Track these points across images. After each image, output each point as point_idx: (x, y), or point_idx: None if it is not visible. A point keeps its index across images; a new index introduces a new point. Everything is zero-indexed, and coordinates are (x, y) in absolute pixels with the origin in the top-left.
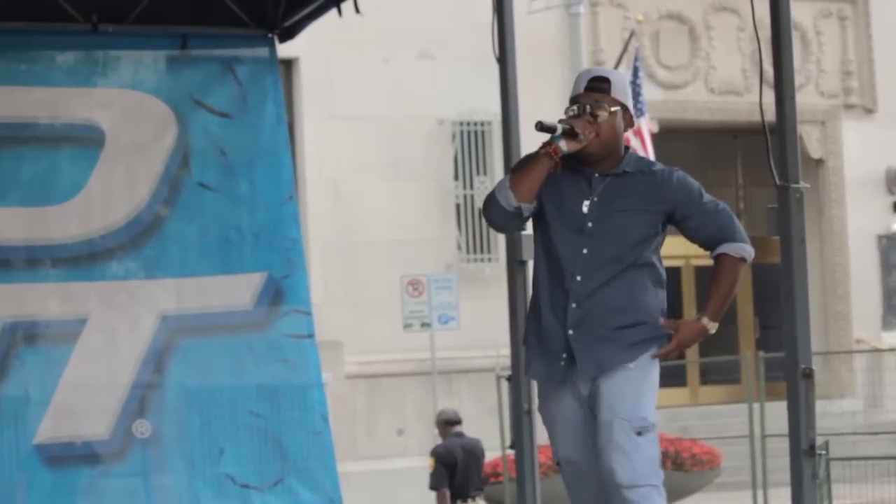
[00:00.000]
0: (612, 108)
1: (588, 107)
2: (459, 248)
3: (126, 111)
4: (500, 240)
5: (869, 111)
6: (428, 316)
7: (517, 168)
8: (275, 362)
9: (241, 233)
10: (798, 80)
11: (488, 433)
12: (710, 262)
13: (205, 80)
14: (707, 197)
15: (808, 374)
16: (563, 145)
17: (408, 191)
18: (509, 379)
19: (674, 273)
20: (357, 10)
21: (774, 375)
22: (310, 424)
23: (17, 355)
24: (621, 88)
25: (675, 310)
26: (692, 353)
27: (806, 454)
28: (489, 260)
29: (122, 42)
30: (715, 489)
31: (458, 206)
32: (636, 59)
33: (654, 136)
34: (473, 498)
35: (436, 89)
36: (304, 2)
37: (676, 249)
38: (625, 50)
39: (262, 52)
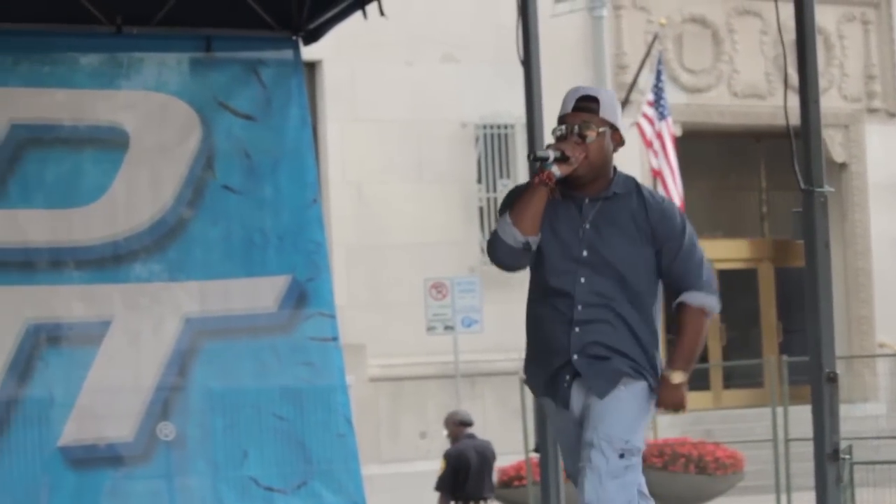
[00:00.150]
0: (601, 129)
1: (576, 127)
2: (482, 250)
3: (150, 113)
4: None
5: (892, 115)
6: (451, 319)
7: (514, 203)
8: (299, 365)
9: (266, 235)
10: (821, 83)
11: (511, 436)
12: (734, 266)
13: (229, 82)
14: (689, 238)
15: (833, 378)
16: (556, 170)
17: (431, 194)
18: None
19: None
20: (382, 13)
21: (798, 379)
22: (334, 427)
23: (41, 357)
24: (610, 108)
25: None
26: (715, 357)
27: (830, 458)
28: None
29: (146, 44)
30: (738, 493)
31: (481, 209)
32: (659, 62)
33: (677, 140)
34: (486, 500)
35: (459, 92)
36: (329, 4)
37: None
38: (648, 53)
39: (287, 54)
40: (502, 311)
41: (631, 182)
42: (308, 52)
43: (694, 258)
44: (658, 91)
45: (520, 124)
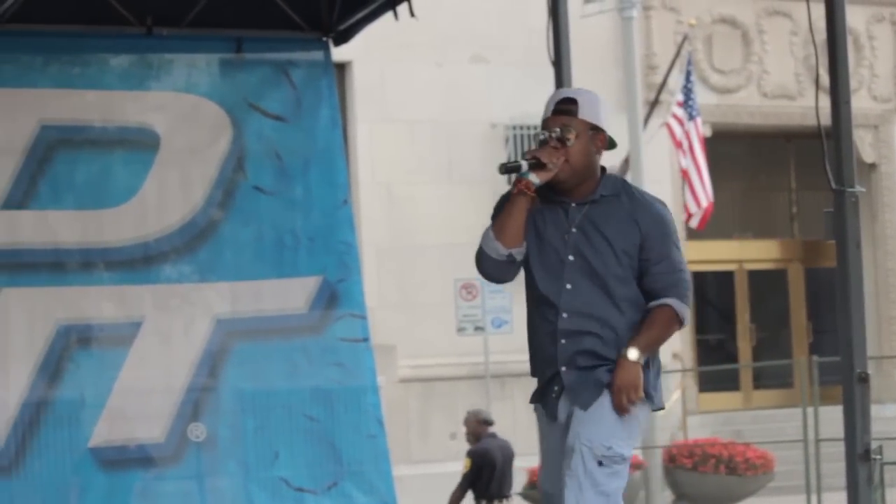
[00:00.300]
0: (580, 131)
1: (557, 131)
2: None
3: (180, 114)
4: None
5: None
6: (481, 320)
7: (496, 215)
8: (329, 366)
9: (296, 236)
10: (851, 84)
11: None
12: (764, 266)
13: (259, 83)
14: (676, 247)
15: (864, 379)
16: (535, 178)
17: (460, 194)
18: None
19: (727, 278)
20: (412, 14)
21: (828, 380)
22: (365, 428)
23: (72, 358)
24: (590, 109)
25: (727, 317)
26: (745, 357)
27: (861, 458)
28: None
29: (176, 45)
30: (768, 493)
31: None
32: (689, 62)
33: (707, 141)
34: (509, 498)
35: (488, 93)
36: (359, 5)
37: (730, 253)
38: (678, 54)
39: (317, 55)
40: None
41: (619, 183)
42: (338, 53)
43: (680, 272)
44: (687, 92)
45: None
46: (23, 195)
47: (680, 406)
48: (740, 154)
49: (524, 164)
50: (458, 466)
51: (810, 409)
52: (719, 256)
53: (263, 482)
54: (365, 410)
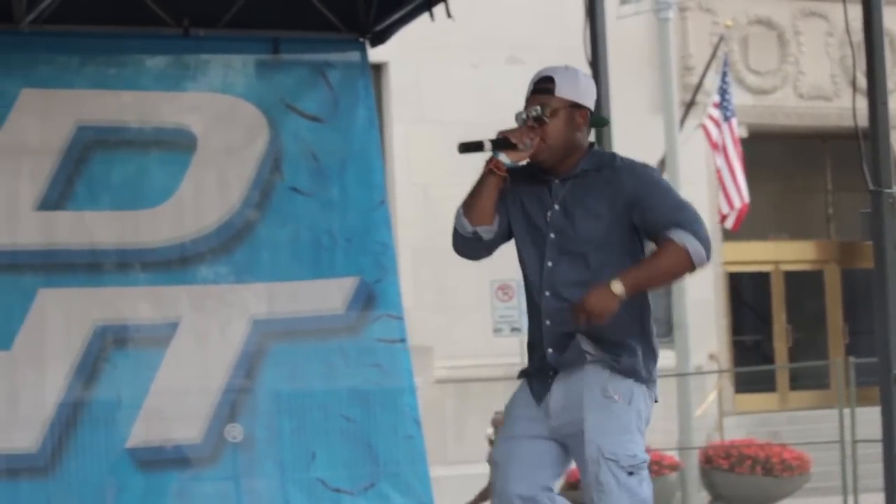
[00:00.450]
0: (556, 108)
1: (535, 109)
2: None
3: (217, 115)
4: None
5: None
6: (518, 321)
7: (469, 193)
8: (367, 367)
9: (333, 237)
10: (888, 85)
11: None
12: (801, 267)
13: (296, 84)
14: (666, 188)
15: None
16: (504, 158)
17: None
18: None
19: (762, 279)
20: (449, 15)
21: (864, 381)
22: (402, 429)
23: (108, 359)
24: (569, 86)
25: (764, 318)
26: (781, 359)
27: None
28: None
29: (212, 46)
30: (805, 494)
31: None
32: (725, 63)
33: (743, 142)
34: None
35: (524, 94)
36: (396, 6)
37: (766, 254)
38: (714, 55)
39: (354, 56)
40: None
41: (605, 157)
42: (374, 55)
43: (683, 206)
44: (723, 93)
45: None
46: (59, 196)
47: (716, 407)
48: (776, 155)
49: (487, 144)
50: None
51: (847, 411)
52: (756, 257)
53: (300, 483)
54: (402, 411)
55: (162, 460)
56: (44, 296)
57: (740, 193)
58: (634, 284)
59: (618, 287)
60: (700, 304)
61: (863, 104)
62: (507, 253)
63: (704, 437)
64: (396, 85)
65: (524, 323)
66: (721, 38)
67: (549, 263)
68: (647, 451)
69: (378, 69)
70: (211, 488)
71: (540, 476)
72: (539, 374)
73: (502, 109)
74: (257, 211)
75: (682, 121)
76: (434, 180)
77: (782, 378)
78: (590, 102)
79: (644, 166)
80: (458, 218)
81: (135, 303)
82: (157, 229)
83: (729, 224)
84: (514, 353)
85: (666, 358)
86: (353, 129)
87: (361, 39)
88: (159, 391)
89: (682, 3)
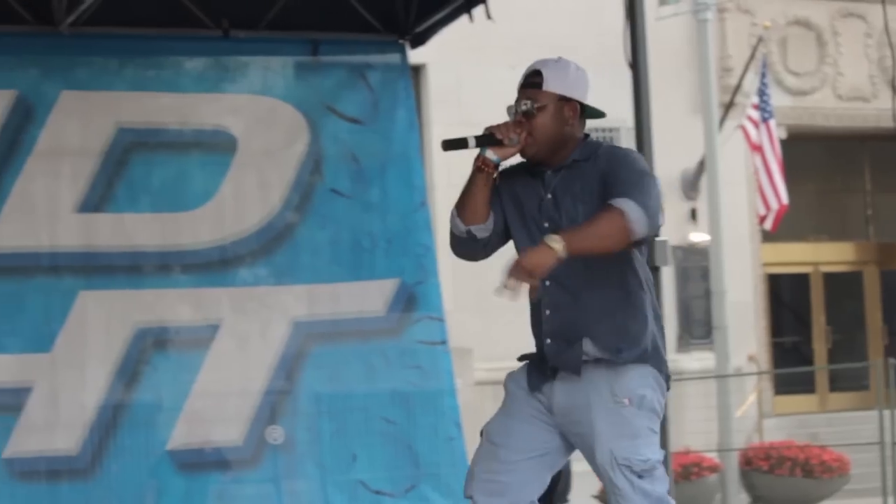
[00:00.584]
0: (543, 103)
1: (526, 104)
2: None
3: (257, 117)
4: None
5: None
6: None
7: (461, 192)
8: (407, 368)
9: (374, 239)
10: None
11: None
12: (840, 269)
13: (336, 86)
14: (642, 171)
15: None
16: (491, 154)
17: None
18: None
19: (801, 280)
20: (489, 16)
21: None
22: (443, 431)
23: (149, 361)
24: (558, 79)
25: (803, 319)
26: (821, 360)
27: None
28: None
29: (252, 48)
30: (844, 496)
31: None
32: (763, 65)
33: (782, 143)
34: (568, 501)
35: None
36: (436, 8)
37: (805, 256)
38: (752, 56)
39: (394, 58)
40: None
41: (597, 147)
42: (413, 56)
43: (635, 179)
44: (762, 94)
45: (624, 127)
46: (99, 198)
47: (756, 409)
48: (815, 156)
49: (471, 140)
50: None
51: (886, 412)
52: (794, 259)
53: (341, 485)
54: (443, 413)
55: (202, 462)
56: (84, 298)
57: (778, 195)
58: (572, 241)
59: (556, 243)
60: (739, 305)
61: None
62: None
63: (744, 439)
64: (435, 87)
65: None
66: (760, 40)
67: None
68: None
69: (417, 71)
70: (251, 490)
71: (528, 491)
72: (538, 365)
73: None
74: (297, 213)
75: (722, 122)
76: None
77: (821, 380)
78: (580, 94)
79: (625, 151)
80: (452, 219)
81: (175, 305)
82: (197, 231)
83: (767, 225)
84: None
85: (706, 360)
86: (394, 130)
87: (401, 41)
88: (200, 393)
89: (721, 4)
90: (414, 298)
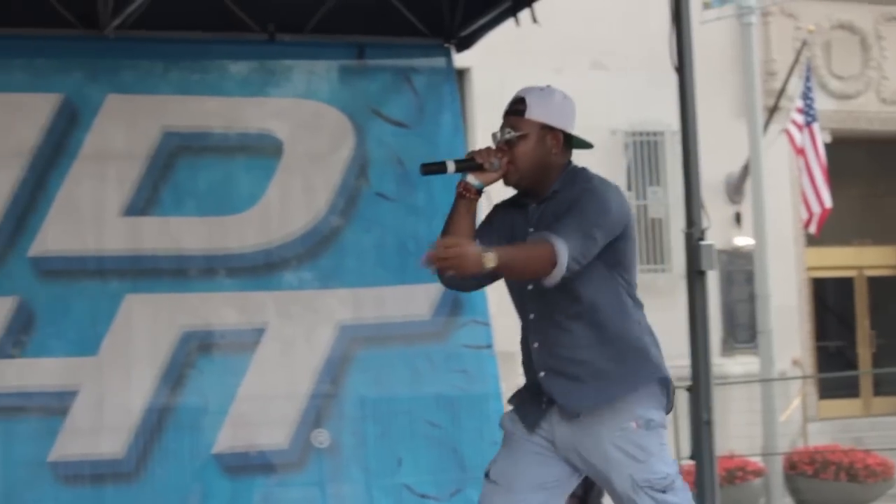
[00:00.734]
0: (525, 131)
1: (507, 131)
2: None
3: (302, 121)
4: (674, 251)
5: None
6: None
7: (445, 221)
8: (453, 372)
9: (419, 242)
10: None
11: None
12: (884, 273)
13: (381, 89)
14: (582, 209)
15: None
16: (473, 180)
17: None
18: (689, 389)
19: (846, 284)
20: (534, 20)
21: None
22: (488, 434)
23: (195, 364)
24: (541, 107)
25: (847, 323)
26: (865, 364)
27: None
28: (662, 270)
29: (297, 51)
30: (889, 500)
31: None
32: (808, 69)
33: (827, 147)
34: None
35: (608, 99)
36: (481, 12)
37: (849, 260)
38: (797, 60)
39: (439, 61)
40: (653, 318)
41: (573, 175)
42: (457, 60)
43: (579, 221)
44: (806, 98)
45: (669, 132)
46: (145, 202)
47: (800, 413)
48: (859, 160)
49: (450, 165)
50: None
51: None
52: (838, 263)
53: (387, 489)
54: (488, 417)
55: (248, 466)
56: (130, 301)
57: (820, 199)
58: (500, 257)
59: (489, 257)
60: (783, 310)
61: None
62: None
63: (788, 443)
64: (480, 90)
65: None
66: (804, 44)
67: (530, 287)
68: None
69: (461, 75)
70: (297, 494)
71: None
72: (532, 399)
73: (586, 115)
74: (343, 217)
75: (766, 126)
76: None
77: (866, 384)
78: (564, 124)
79: (596, 187)
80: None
81: (221, 308)
82: (243, 235)
83: (811, 229)
84: None
85: (750, 364)
86: (439, 134)
87: (446, 45)
88: (245, 397)
89: (765, 8)
90: (459, 302)
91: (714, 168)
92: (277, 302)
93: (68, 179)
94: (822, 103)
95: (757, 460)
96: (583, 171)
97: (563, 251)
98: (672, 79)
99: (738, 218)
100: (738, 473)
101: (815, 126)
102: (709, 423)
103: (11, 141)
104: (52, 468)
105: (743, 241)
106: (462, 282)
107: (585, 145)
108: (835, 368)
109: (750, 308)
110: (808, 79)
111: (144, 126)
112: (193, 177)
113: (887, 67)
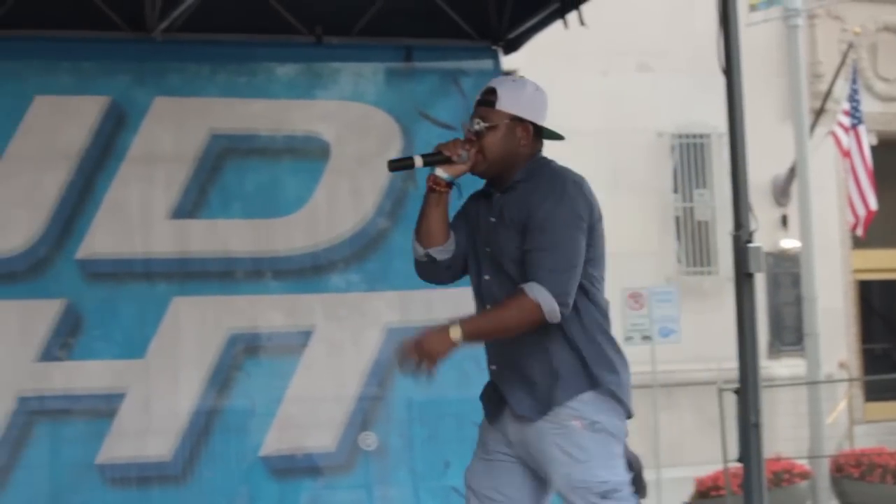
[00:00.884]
0: (494, 122)
1: (477, 122)
2: (679, 260)
3: (349, 123)
4: (720, 253)
5: None
6: (649, 329)
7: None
8: None
9: None
10: None
11: (708, 446)
12: None
13: (429, 92)
14: (552, 232)
15: None
16: (442, 173)
17: (627, 203)
18: (737, 391)
19: (892, 287)
20: (582, 23)
21: None
22: None
23: (241, 367)
24: (512, 98)
25: (893, 327)
26: None
27: None
28: (709, 273)
29: (344, 54)
30: None
31: (677, 218)
32: (854, 71)
33: (873, 149)
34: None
35: (654, 101)
36: (529, 14)
37: (894, 262)
38: (843, 62)
39: (486, 64)
40: (699, 321)
41: (537, 166)
42: (505, 62)
43: (545, 255)
44: (853, 100)
45: (715, 134)
46: (192, 205)
47: (846, 415)
48: None
49: (418, 159)
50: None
51: None
52: (884, 265)
53: (434, 491)
54: None
55: (295, 468)
56: (178, 304)
57: (866, 201)
58: (475, 332)
59: (456, 332)
60: (829, 312)
61: None
62: (639, 260)
63: (835, 446)
64: None
65: (655, 331)
66: (850, 46)
67: (486, 277)
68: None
69: None
70: (344, 497)
71: None
72: (494, 394)
73: (633, 117)
74: (390, 219)
75: (812, 128)
76: None
77: None
78: (535, 116)
79: (557, 194)
80: (412, 243)
81: (268, 311)
82: (290, 237)
83: (858, 231)
84: (645, 361)
85: (796, 366)
86: None
87: (494, 47)
88: (293, 399)
89: (811, 10)
90: None
91: (760, 171)
92: (325, 304)
93: (116, 182)
94: (867, 105)
95: (803, 463)
96: (545, 164)
97: (545, 297)
98: (718, 81)
99: (784, 220)
100: (785, 476)
101: (861, 128)
102: (757, 425)
103: (59, 143)
104: (99, 471)
105: (789, 243)
106: (436, 275)
107: (556, 137)
108: (881, 371)
109: (796, 311)
110: (854, 81)
111: (192, 128)
112: (240, 179)
113: None
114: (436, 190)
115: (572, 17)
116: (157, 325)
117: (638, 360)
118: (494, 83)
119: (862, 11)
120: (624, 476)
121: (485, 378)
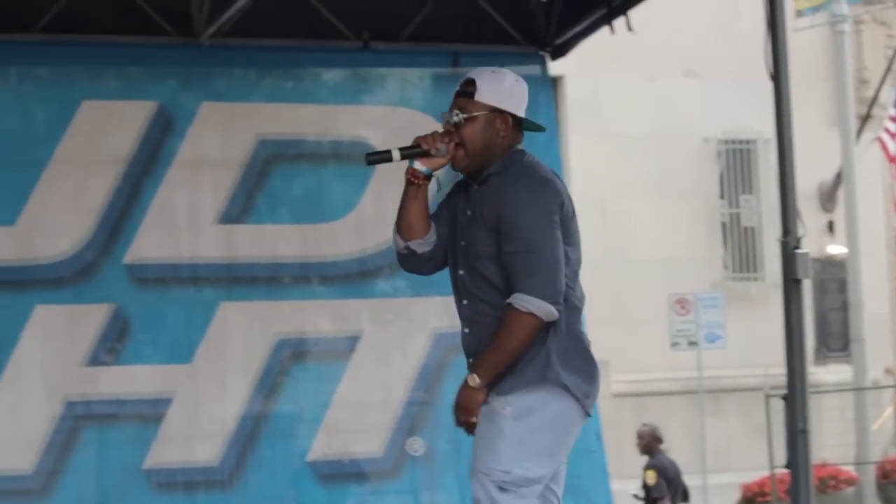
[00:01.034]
0: (473, 114)
1: (455, 114)
2: (726, 266)
3: (396, 129)
4: (767, 259)
5: None
6: (695, 335)
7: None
8: None
9: None
10: None
11: (755, 452)
12: None
13: None
14: (528, 232)
15: None
16: (420, 166)
17: (674, 209)
18: (784, 398)
19: None
20: (629, 28)
21: None
22: (583, 443)
23: (289, 372)
24: (492, 90)
25: None
26: None
27: None
28: (755, 279)
29: (390, 60)
30: None
31: (723, 224)
32: None
33: None
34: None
35: (701, 107)
36: (576, 20)
37: None
38: (889, 68)
39: (534, 69)
40: (746, 327)
41: (512, 159)
42: (551, 68)
43: (524, 257)
44: None
45: (762, 139)
46: (240, 209)
47: (893, 421)
48: None
49: (395, 153)
50: None
51: None
52: None
53: None
54: (584, 425)
55: (342, 474)
56: (225, 309)
57: None
58: (489, 371)
59: (474, 381)
60: (876, 318)
61: None
62: (685, 266)
63: (881, 452)
64: (573, 98)
65: (701, 337)
66: None
67: (461, 272)
68: (824, 465)
69: (555, 82)
70: (390, 502)
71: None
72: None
73: (679, 122)
74: None
75: (858, 134)
76: (611, 193)
77: None
78: (513, 107)
79: (527, 191)
80: (392, 235)
81: (315, 316)
82: (337, 243)
83: None
84: (691, 367)
85: (842, 373)
86: (534, 142)
87: (541, 53)
88: (340, 405)
89: (858, 16)
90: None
91: (807, 176)
92: (372, 310)
93: (163, 187)
94: None
95: (850, 469)
96: (520, 158)
97: (536, 303)
98: (764, 86)
99: (830, 226)
100: (831, 482)
101: None
102: (805, 431)
103: (106, 149)
104: (146, 475)
105: (836, 249)
106: (417, 267)
107: (537, 128)
108: None
109: (842, 316)
110: None
111: (239, 133)
112: (288, 184)
113: None
114: (414, 183)
115: (619, 22)
116: (204, 330)
117: (684, 365)
118: (474, 74)
119: None
120: (538, 473)
121: None
